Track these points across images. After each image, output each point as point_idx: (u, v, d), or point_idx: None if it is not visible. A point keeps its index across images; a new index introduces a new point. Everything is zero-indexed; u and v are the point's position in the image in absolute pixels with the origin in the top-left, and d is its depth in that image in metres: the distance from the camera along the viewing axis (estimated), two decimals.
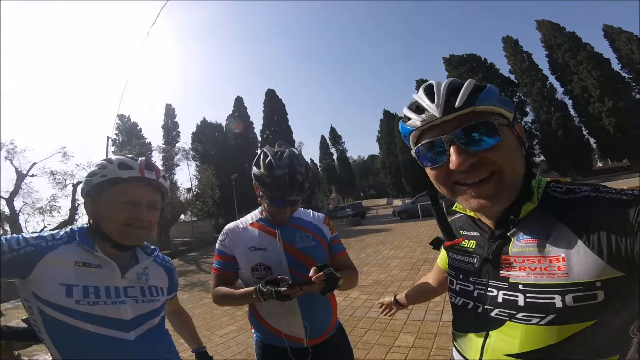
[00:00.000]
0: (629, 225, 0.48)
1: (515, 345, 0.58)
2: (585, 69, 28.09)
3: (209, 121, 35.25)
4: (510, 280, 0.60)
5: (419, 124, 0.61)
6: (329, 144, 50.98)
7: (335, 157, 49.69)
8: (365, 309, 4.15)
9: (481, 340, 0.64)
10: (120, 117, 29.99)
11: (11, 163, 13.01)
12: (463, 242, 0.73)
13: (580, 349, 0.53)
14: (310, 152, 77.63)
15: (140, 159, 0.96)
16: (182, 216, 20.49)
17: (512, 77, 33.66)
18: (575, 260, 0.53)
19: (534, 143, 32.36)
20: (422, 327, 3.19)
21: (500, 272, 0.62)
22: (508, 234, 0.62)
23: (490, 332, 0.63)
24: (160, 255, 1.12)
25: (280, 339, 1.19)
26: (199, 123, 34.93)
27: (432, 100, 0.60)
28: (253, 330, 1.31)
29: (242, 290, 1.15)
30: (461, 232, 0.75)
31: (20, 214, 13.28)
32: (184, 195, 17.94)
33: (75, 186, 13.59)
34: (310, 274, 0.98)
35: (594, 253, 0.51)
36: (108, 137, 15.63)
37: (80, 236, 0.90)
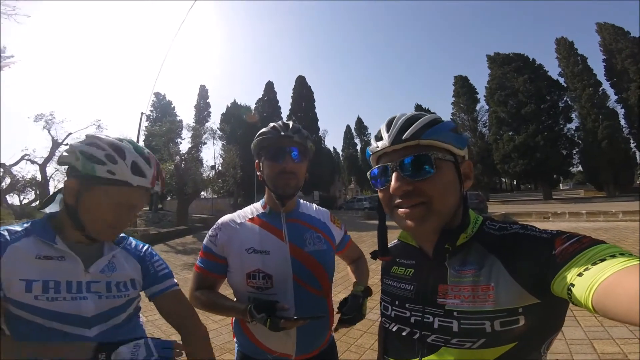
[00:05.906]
0: (546, 259, 0.53)
1: None
2: None
3: (239, 103, 36.34)
4: (446, 308, 0.63)
5: (375, 149, 0.71)
6: (354, 134, 50.58)
7: (359, 147, 49.14)
8: (366, 309, 3.86)
9: None
10: (156, 94, 31.70)
11: (49, 132, 13.42)
12: (399, 270, 0.77)
13: None
14: (334, 142, 77.56)
15: (153, 163, 0.88)
16: (202, 193, 21.35)
17: (562, 80, 31.43)
18: (503, 289, 0.58)
19: (574, 152, 30.26)
20: None
21: (437, 299, 0.65)
22: (445, 263, 0.66)
23: (425, 358, 0.64)
24: (132, 243, 1.02)
25: (265, 354, 1.06)
26: (229, 105, 36.10)
27: (388, 131, 0.68)
28: (235, 340, 1.17)
29: (229, 303, 1.02)
30: (397, 259, 0.79)
31: (51, 179, 13.65)
32: (207, 173, 18.34)
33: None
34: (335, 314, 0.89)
35: (518, 282, 0.56)
36: (142, 113, 16.64)
37: (38, 230, 0.86)
